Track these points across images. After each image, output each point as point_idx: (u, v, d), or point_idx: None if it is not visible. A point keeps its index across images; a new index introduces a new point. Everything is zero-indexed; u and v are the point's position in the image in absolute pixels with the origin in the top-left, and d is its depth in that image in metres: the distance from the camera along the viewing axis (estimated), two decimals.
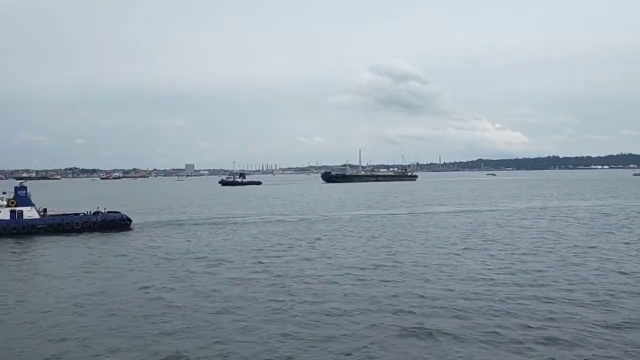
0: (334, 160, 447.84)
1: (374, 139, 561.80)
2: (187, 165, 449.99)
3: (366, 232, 34.76)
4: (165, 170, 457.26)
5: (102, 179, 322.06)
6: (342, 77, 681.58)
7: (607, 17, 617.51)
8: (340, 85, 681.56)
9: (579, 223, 38.72)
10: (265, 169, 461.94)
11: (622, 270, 20.96)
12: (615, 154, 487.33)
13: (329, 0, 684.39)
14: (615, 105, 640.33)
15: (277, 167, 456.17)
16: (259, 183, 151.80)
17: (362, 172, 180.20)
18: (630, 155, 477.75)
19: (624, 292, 17.16)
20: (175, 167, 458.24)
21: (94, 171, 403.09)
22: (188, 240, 31.80)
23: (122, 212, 40.88)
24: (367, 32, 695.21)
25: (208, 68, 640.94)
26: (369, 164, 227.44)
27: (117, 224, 38.94)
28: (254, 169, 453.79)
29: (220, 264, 23.89)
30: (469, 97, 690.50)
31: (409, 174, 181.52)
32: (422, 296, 17.16)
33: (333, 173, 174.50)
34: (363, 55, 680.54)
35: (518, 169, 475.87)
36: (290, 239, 32.29)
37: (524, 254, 25.22)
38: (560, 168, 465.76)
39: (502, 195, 79.48)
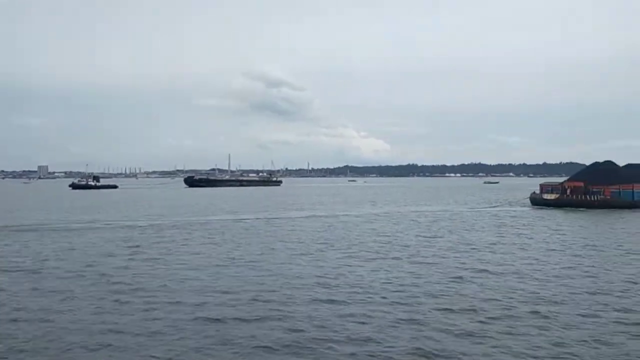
0: (203, 164, 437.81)
1: (245, 144, 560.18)
2: (39, 167, 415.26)
3: (215, 237, 33.42)
4: (14, 171, 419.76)
5: None
6: (214, 80, 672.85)
7: (458, 34, 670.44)
8: (212, 88, 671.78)
9: (419, 226, 40.50)
10: (128, 172, 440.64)
11: (439, 269, 21.86)
12: (467, 163, 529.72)
13: (203, 2, 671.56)
14: (467, 118, 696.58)
15: (142, 171, 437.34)
16: (114, 187, 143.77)
17: (227, 177, 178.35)
18: (480, 164, 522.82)
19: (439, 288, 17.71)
20: (27, 169, 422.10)
21: None
22: (8, 249, 28.30)
23: None
24: (242, 36, 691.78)
25: (66, 65, 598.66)
26: (238, 169, 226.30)
27: None
28: (116, 171, 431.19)
29: (41, 273, 21.27)
30: (338, 105, 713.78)
31: (274, 179, 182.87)
32: (246, 299, 16.41)
33: (196, 177, 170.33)
34: (236, 59, 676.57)
35: (381, 175, 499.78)
36: (133, 244, 30.06)
37: (363, 255, 25.51)
38: (419, 175, 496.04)
39: (359, 200, 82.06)
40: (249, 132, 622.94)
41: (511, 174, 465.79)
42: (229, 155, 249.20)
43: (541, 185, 64.85)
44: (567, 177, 66.44)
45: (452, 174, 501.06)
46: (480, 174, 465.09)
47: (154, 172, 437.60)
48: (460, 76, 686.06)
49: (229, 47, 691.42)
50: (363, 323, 14.16)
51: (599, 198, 57.44)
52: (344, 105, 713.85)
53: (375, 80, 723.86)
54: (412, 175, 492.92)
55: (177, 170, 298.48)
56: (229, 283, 19.23)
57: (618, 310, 15.18)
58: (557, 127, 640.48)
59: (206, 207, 66.22)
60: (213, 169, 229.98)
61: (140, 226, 40.82)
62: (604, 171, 61.73)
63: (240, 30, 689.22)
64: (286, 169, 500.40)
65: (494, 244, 30.11)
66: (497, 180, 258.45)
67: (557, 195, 60.33)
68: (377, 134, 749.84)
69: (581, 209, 56.41)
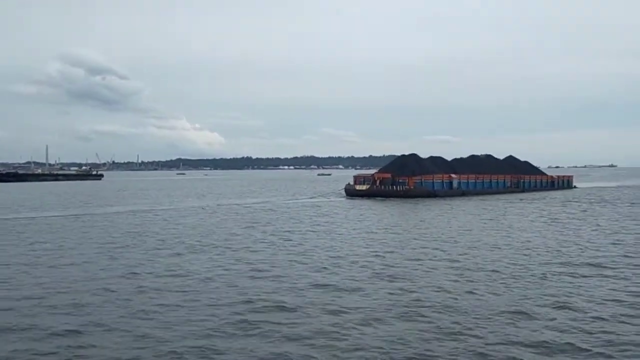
0: (17, 157, 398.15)
1: (65, 135, 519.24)
2: None
3: (14, 238, 30.13)
4: None
5: None
6: (25, 65, 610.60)
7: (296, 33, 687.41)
8: (23, 74, 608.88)
9: (243, 218, 40.93)
10: None
11: (239, 257, 22.15)
12: (299, 156, 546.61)
13: None
14: (300, 112, 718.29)
15: None
16: None
17: (39, 171, 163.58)
18: (312, 157, 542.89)
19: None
20: None
21: None
22: None
23: None
24: (57, 18, 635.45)
25: None
26: (58, 162, 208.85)
27: None
28: None
29: None
30: (169, 95, 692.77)
31: (95, 173, 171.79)
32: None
33: (3, 171, 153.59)
34: (52, 43, 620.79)
35: (216, 168, 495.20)
36: None
37: (166, 251, 24.81)
38: (254, 168, 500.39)
39: (185, 194, 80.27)
40: (69, 122, 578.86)
41: (340, 166, 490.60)
42: (47, 147, 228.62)
43: (355, 177, 69.07)
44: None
45: (286, 166, 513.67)
46: (312, 166, 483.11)
47: None
48: (293, 71, 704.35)
49: (39, 30, 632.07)
50: (149, 319, 13.77)
51: (403, 188, 62.76)
52: (175, 96, 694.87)
53: (208, 73, 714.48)
54: (247, 168, 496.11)
55: None
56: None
57: (389, 283, 16.69)
58: (382, 121, 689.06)
59: (11, 204, 59.83)
60: (28, 162, 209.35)
61: None
62: (409, 163, 67.65)
63: (50, 11, 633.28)
64: (113, 162, 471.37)
65: (305, 232, 31.41)
66: (329, 173, 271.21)
67: (368, 186, 64.71)
68: (211, 127, 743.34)
69: (389, 198, 61.15)
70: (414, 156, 70.02)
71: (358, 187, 65.52)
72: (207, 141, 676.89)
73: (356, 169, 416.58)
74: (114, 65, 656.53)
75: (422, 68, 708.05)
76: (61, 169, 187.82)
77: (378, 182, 64.82)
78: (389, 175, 65.15)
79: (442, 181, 66.29)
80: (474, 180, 70.65)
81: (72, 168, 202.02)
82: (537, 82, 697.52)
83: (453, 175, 67.94)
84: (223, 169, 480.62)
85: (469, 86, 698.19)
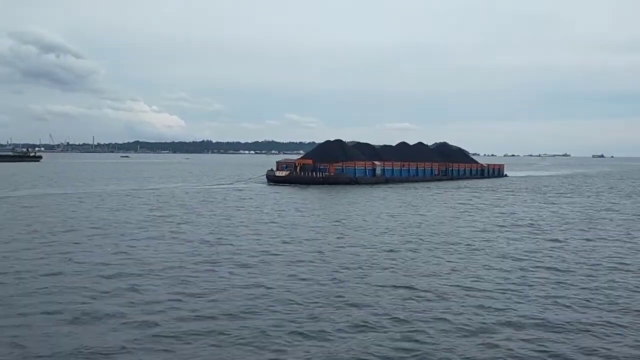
0: None
1: (17, 115, 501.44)
2: None
3: None
4: None
5: None
6: None
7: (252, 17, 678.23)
8: None
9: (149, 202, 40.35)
10: None
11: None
12: (260, 141, 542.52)
13: None
14: (264, 98, 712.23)
15: None
16: None
17: None
18: (272, 142, 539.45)
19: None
20: None
21: None
22: None
23: None
24: None
25: None
26: (9, 143, 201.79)
27: None
28: None
29: None
30: (126, 77, 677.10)
31: (32, 154, 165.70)
32: None
33: None
34: (2, 20, 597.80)
35: (174, 152, 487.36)
36: None
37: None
38: (213, 152, 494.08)
39: (119, 177, 77.70)
40: (21, 101, 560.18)
41: (302, 151, 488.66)
42: None
43: (277, 163, 67.21)
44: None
45: (246, 151, 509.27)
46: (273, 152, 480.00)
47: None
48: (260, 56, 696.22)
49: None
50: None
51: (324, 175, 61.40)
52: (133, 78, 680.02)
53: (169, 54, 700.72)
54: (207, 152, 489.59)
55: None
56: None
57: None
58: (346, 109, 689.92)
59: None
60: None
61: None
62: (332, 149, 66.16)
63: None
64: (68, 143, 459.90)
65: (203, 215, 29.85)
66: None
67: (288, 172, 63.09)
68: (170, 109, 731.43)
69: (309, 185, 59.62)
70: (338, 142, 68.54)
71: (278, 173, 63.81)
72: (166, 124, 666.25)
73: None
74: (68, 43, 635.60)
75: (388, 56, 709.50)
76: (13, 150, 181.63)
77: (298, 168, 63.36)
78: (310, 161, 63.76)
79: (365, 168, 65.17)
80: (399, 168, 69.87)
81: (23, 149, 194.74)
82: (499, 73, 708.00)
83: (377, 163, 66.91)
84: (182, 152, 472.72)
85: (432, 75, 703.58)
